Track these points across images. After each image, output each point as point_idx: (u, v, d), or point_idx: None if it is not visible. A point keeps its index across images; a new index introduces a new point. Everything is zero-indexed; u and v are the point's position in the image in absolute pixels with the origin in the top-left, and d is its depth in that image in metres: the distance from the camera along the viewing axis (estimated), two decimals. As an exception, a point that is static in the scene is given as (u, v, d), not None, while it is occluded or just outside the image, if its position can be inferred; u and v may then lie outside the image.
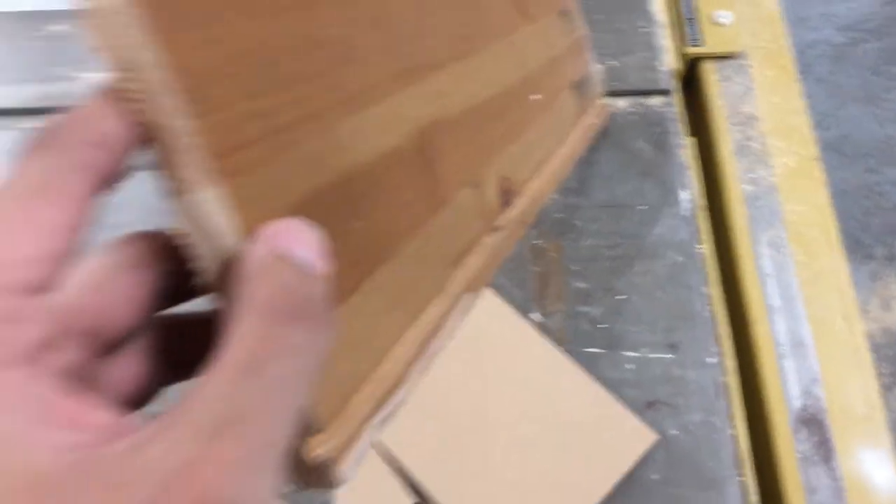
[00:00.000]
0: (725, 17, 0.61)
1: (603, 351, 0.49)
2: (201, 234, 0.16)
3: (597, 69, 0.54)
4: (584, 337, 0.50)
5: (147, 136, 0.16)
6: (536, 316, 0.50)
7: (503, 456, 0.46)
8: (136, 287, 0.18)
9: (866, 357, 0.51)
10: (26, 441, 0.14)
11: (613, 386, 0.48)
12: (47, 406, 0.15)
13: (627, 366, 0.49)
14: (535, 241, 0.53)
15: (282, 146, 0.19)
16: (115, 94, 0.16)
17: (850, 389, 0.49)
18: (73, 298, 0.17)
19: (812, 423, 0.49)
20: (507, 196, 0.35)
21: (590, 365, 0.49)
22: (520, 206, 0.36)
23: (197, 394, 0.15)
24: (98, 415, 0.15)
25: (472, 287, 0.30)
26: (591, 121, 0.51)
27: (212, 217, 0.16)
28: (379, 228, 0.23)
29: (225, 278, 0.17)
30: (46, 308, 0.16)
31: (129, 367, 0.19)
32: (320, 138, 0.20)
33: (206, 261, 0.17)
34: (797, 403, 0.49)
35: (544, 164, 0.42)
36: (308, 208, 0.19)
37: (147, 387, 0.19)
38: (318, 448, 0.19)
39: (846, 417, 0.49)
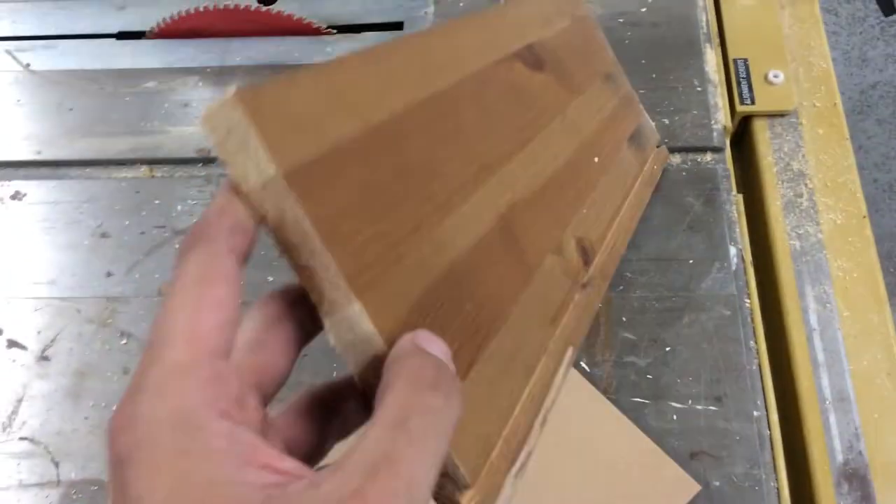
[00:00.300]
0: (777, 75, 0.63)
1: (648, 401, 0.51)
2: (352, 339, 0.21)
3: (647, 120, 0.57)
4: (631, 387, 0.52)
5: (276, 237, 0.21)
6: (584, 366, 0.53)
7: (546, 498, 0.48)
8: (285, 341, 0.23)
9: (911, 414, 0.51)
10: (237, 480, 0.18)
11: (658, 436, 0.50)
12: (250, 452, 0.18)
13: (672, 416, 0.51)
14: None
15: (396, 259, 0.23)
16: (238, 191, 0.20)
17: (893, 444, 0.50)
18: (243, 358, 0.22)
19: (854, 477, 0.50)
20: (585, 255, 0.38)
21: (635, 414, 0.51)
22: (598, 261, 0.40)
23: (358, 444, 0.19)
24: (285, 463, 0.19)
25: (571, 341, 0.34)
26: (651, 168, 0.54)
27: (358, 326, 0.21)
28: (484, 305, 0.27)
29: (373, 366, 0.21)
30: (235, 368, 0.20)
31: (291, 426, 0.23)
32: (424, 245, 0.24)
33: (356, 357, 0.21)
34: (840, 458, 0.50)
35: (615, 219, 0.45)
36: (425, 303, 0.23)
37: (311, 442, 0.24)
38: (469, 501, 0.22)
39: (888, 472, 0.50)
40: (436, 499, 0.23)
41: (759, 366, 0.53)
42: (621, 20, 0.67)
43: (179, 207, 0.60)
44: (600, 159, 0.46)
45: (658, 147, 0.58)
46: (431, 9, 0.70)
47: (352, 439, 0.20)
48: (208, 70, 0.67)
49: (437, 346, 0.22)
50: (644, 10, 0.67)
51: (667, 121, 0.62)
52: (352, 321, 0.21)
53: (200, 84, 0.66)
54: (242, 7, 0.65)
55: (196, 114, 0.65)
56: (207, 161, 0.63)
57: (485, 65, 0.34)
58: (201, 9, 0.64)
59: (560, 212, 0.37)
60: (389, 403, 0.19)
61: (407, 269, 0.23)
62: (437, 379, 0.21)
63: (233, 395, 0.20)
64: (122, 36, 0.71)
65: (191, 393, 0.19)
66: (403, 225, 0.24)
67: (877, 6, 0.79)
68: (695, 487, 0.48)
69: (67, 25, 0.73)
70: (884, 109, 1.67)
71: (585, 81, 0.47)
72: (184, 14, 0.66)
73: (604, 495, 0.48)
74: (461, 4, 0.70)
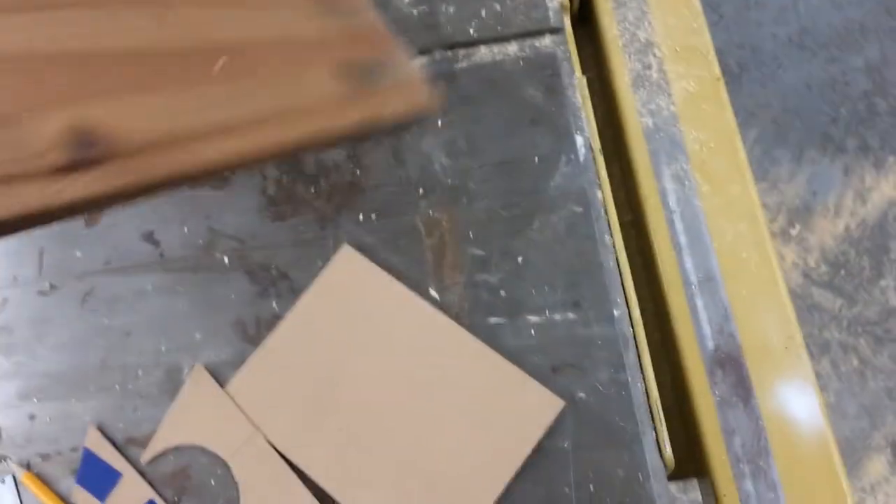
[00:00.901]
0: (613, -62, 0.57)
1: (504, 319, 0.47)
2: None
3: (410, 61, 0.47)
4: (485, 307, 0.48)
5: None
6: (433, 293, 0.48)
7: (405, 440, 0.45)
8: None
9: (781, 285, 0.48)
10: None
11: (517, 354, 0.46)
12: None
13: (531, 331, 0.47)
14: (427, 212, 0.50)
15: None
16: None
17: (766, 322, 0.47)
18: None
19: (727, 362, 0.47)
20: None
21: (492, 335, 0.47)
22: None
23: None
24: None
25: None
26: (371, 110, 0.45)
27: None
28: None
29: None
30: None
31: None
32: None
33: None
34: (710, 344, 0.47)
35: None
36: None
37: None
38: None
39: (763, 353, 0.47)
40: None
41: (617, 261, 0.49)
42: None
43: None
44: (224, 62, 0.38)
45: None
46: None
47: None
48: None
49: None
50: None
51: (497, 6, 0.55)
52: None
53: None
54: None
55: None
56: None
57: None
58: None
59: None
60: None
61: None
62: None
63: None
64: None
65: None
66: None
67: None
68: (559, 404, 0.45)
69: None
70: (776, -40, 1.62)
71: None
72: None
73: (467, 426, 0.45)
74: None
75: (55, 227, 0.51)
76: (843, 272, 1.34)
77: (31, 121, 0.25)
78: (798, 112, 1.47)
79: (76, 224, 0.53)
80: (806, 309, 1.33)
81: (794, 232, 1.38)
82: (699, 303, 0.48)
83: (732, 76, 1.48)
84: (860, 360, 1.29)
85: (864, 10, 1.54)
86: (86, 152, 0.26)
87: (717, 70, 0.54)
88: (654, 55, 0.55)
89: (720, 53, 1.56)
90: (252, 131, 0.34)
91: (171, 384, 0.49)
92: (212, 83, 0.32)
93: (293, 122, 0.39)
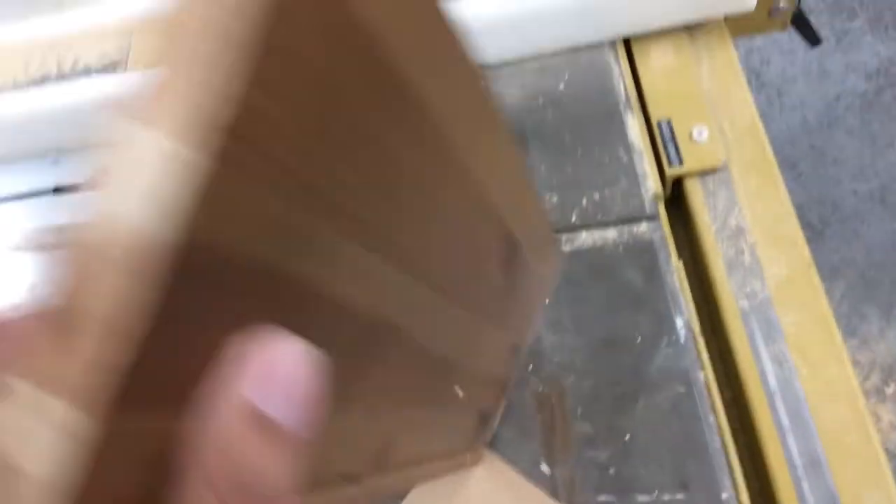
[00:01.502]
0: (702, 132, 0.62)
1: (614, 498, 0.49)
2: None
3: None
4: (595, 484, 0.50)
5: None
6: (545, 468, 0.51)
7: None
8: None
9: (885, 467, 0.49)
10: None
11: (627, 532, 0.48)
12: None
13: (639, 509, 0.49)
14: (537, 388, 0.54)
15: None
16: None
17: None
18: None
19: (839, 549, 0.47)
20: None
21: (601, 512, 0.49)
22: None
23: None
24: None
25: None
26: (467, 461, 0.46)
27: None
28: None
29: None
30: None
31: None
32: None
33: None
34: (820, 529, 0.48)
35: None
36: None
37: None
38: None
39: (874, 540, 0.47)
40: None
41: (723, 441, 0.51)
42: (540, 100, 0.67)
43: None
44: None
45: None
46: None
47: None
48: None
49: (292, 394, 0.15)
50: (562, 86, 0.67)
51: (597, 196, 0.61)
52: None
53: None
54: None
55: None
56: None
57: None
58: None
59: None
60: None
61: None
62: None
63: None
64: (59, 191, 0.72)
65: None
66: None
67: (803, 37, 0.79)
68: (670, 586, 0.46)
69: (4, 188, 0.73)
70: (851, 120, 1.67)
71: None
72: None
73: None
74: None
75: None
76: (945, 434, 1.29)
77: None
78: (884, 268, 1.47)
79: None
80: (908, 472, 1.27)
81: (889, 390, 1.34)
82: (805, 486, 0.49)
83: (815, 231, 1.50)
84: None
85: (946, 168, 1.56)
86: None
87: (807, 255, 0.57)
88: (746, 241, 0.59)
89: (801, 209, 1.59)
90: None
91: None
92: None
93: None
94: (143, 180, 0.13)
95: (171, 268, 0.13)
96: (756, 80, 1.77)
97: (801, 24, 0.76)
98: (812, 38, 0.79)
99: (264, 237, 0.16)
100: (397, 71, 0.19)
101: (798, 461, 0.50)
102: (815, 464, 0.50)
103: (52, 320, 0.13)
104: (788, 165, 1.58)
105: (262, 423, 0.13)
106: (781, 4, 0.72)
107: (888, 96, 1.69)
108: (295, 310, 0.18)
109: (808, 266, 0.57)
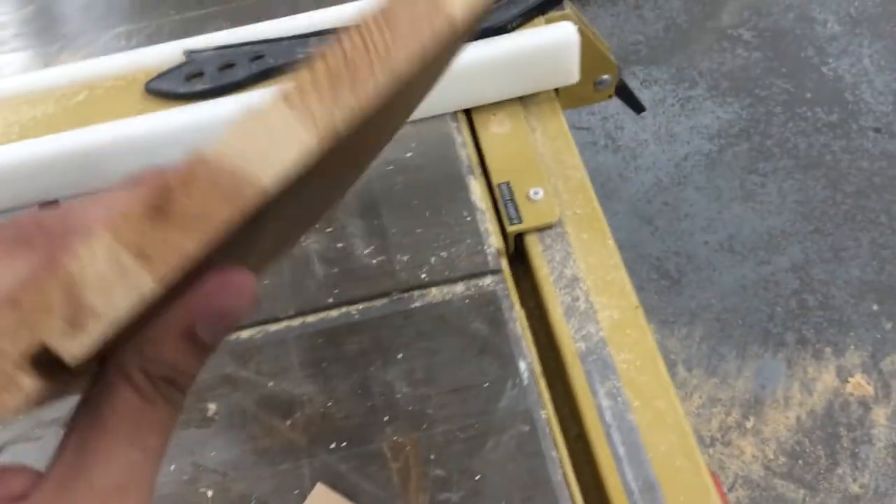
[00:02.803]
0: (538, 192, 0.68)
1: (466, 535, 0.52)
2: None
3: None
4: (447, 524, 0.53)
5: None
6: (399, 513, 0.53)
7: None
8: None
9: (710, 487, 0.54)
10: None
11: (479, 569, 0.50)
12: None
13: (490, 545, 0.52)
14: (392, 438, 0.56)
15: None
16: None
17: (701, 524, 0.53)
18: None
19: (672, 564, 0.52)
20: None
21: (455, 552, 0.51)
22: None
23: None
24: None
25: None
26: None
27: None
28: None
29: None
30: None
31: None
32: None
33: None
34: (655, 548, 0.52)
35: None
36: None
37: None
38: None
39: (701, 552, 0.52)
40: None
41: (564, 475, 0.54)
42: (390, 167, 0.71)
43: None
44: None
45: None
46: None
47: None
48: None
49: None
50: (409, 154, 0.72)
51: (444, 254, 0.65)
52: None
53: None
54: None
55: None
56: None
57: None
58: None
59: None
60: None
61: None
62: None
63: None
64: None
65: None
66: None
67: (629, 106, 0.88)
68: None
69: None
70: (698, 177, 1.82)
71: None
72: None
73: None
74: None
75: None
76: (801, 462, 1.39)
77: None
78: (737, 311, 1.59)
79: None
80: (771, 501, 1.36)
81: (748, 425, 1.44)
82: (640, 509, 0.53)
83: (672, 281, 1.61)
84: (828, 551, 1.31)
85: (783, 218, 1.72)
86: None
87: (634, 300, 0.63)
88: (581, 288, 0.64)
89: (659, 261, 1.70)
90: None
91: None
92: None
93: None
94: (272, 144, 0.18)
95: (249, 211, 0.18)
96: (612, 143, 1.91)
97: (624, 94, 0.84)
98: (636, 106, 0.88)
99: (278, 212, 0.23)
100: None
101: (634, 486, 0.54)
102: (649, 488, 0.54)
103: (151, 199, 0.18)
104: (646, 221, 1.70)
105: (193, 339, 0.21)
106: (605, 77, 0.80)
107: (729, 155, 1.86)
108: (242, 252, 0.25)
109: (636, 308, 0.63)
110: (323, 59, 0.19)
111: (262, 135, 0.18)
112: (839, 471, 1.38)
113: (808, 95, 1.97)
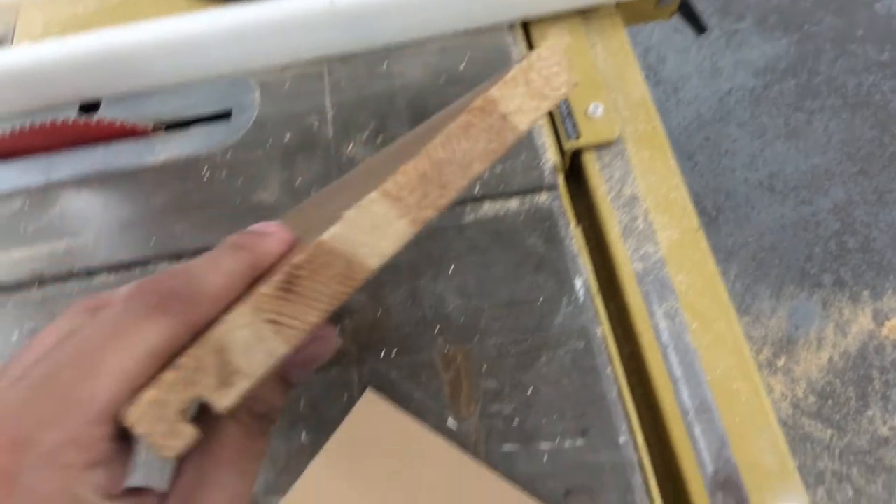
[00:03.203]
0: (597, 108, 0.66)
1: (518, 446, 0.51)
2: None
3: None
4: (500, 435, 0.52)
5: None
6: (452, 423, 0.53)
7: (432, 568, 0.47)
8: None
9: (769, 413, 0.53)
10: None
11: (532, 480, 0.50)
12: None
13: (543, 458, 0.51)
14: (444, 349, 0.56)
15: None
16: None
17: (759, 449, 0.52)
18: None
19: (727, 484, 0.51)
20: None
21: (508, 463, 0.51)
22: None
23: None
24: None
25: None
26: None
27: None
28: None
29: None
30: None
31: None
32: None
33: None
34: (710, 468, 0.51)
35: None
36: None
37: None
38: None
39: (757, 473, 0.51)
40: None
41: (619, 391, 0.53)
42: (442, 79, 0.69)
43: (16, 335, 0.58)
44: None
45: None
46: (257, 94, 0.70)
47: None
48: (33, 190, 0.65)
49: None
50: (462, 65, 0.69)
51: (498, 168, 0.63)
52: None
53: (27, 206, 0.64)
54: (60, 122, 0.63)
55: (26, 235, 0.63)
56: (42, 283, 0.61)
57: None
58: (16, 130, 0.63)
59: None
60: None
61: None
62: None
63: (119, 474, 0.23)
64: None
65: (82, 475, 0.21)
66: None
67: (690, 25, 0.84)
68: (573, 528, 0.48)
69: None
70: (741, 113, 1.77)
71: None
72: None
73: (487, 553, 0.48)
74: (286, 87, 0.71)
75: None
76: (830, 402, 1.38)
77: None
78: (775, 250, 1.56)
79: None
80: (798, 439, 1.35)
81: (780, 363, 1.43)
82: (697, 430, 0.52)
83: (710, 218, 1.58)
84: (854, 489, 1.31)
85: (828, 157, 1.67)
86: None
87: (696, 221, 0.61)
88: (640, 208, 0.62)
89: (697, 197, 1.67)
90: None
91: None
92: None
93: None
94: (376, 235, 0.23)
95: (358, 288, 0.24)
96: (654, 76, 1.85)
97: (687, 13, 0.80)
98: (698, 26, 0.84)
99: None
100: None
101: (689, 407, 0.53)
102: (705, 409, 0.53)
103: (282, 281, 0.23)
104: (685, 157, 1.66)
105: (286, 380, 0.28)
106: (669, -9, 0.77)
107: (775, 91, 1.80)
108: None
109: (696, 230, 0.61)
110: (415, 162, 0.23)
111: (368, 226, 0.22)
112: (869, 413, 1.37)
113: (860, 33, 1.89)
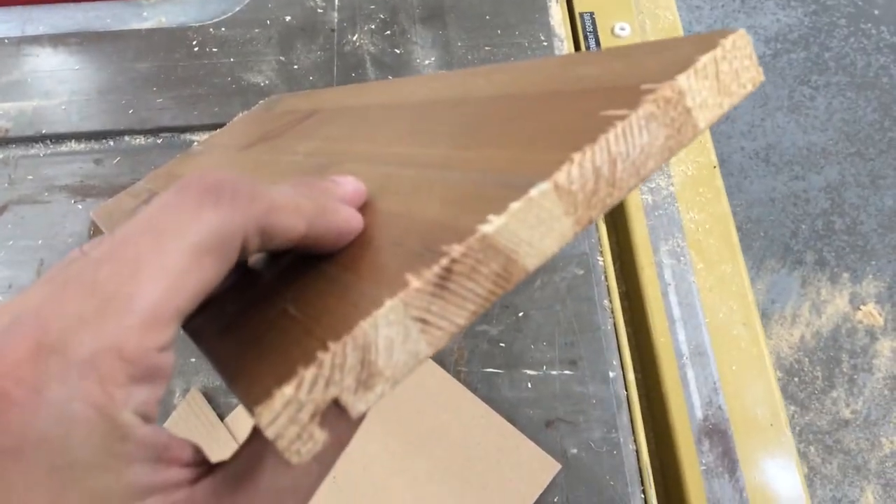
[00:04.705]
0: (624, 28, 0.61)
1: (502, 370, 0.48)
2: None
3: None
4: (483, 357, 0.49)
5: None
6: (434, 336, 0.49)
7: (400, 496, 0.44)
8: None
9: (767, 363, 0.50)
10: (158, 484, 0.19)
11: (513, 406, 0.47)
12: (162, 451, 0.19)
13: (527, 384, 0.48)
14: (433, 260, 0.52)
15: None
16: None
17: (753, 399, 0.49)
18: None
19: (715, 433, 0.48)
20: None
21: (489, 385, 0.47)
22: None
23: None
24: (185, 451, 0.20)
25: None
26: None
27: None
28: None
29: None
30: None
31: None
32: None
33: None
34: (699, 414, 0.48)
35: None
36: None
37: None
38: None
39: (750, 427, 0.48)
40: None
41: (614, 325, 0.50)
42: (463, -25, 0.64)
43: (-31, 194, 0.53)
44: None
45: None
46: (259, -33, 0.64)
47: None
48: (6, 41, 0.59)
49: None
50: (485, -36, 0.64)
51: (513, 77, 0.58)
52: None
53: (-7, 55, 0.59)
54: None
55: (-11, 89, 0.57)
56: (6, 142, 0.56)
57: None
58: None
59: None
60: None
61: None
62: None
63: (159, 395, 0.18)
64: None
65: (123, 393, 0.17)
66: None
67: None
68: (555, 467, 0.45)
69: None
70: (747, 80, 1.72)
71: None
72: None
73: (461, 484, 0.45)
74: (291, -38, 0.65)
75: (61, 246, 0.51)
76: (797, 380, 1.38)
77: None
78: (761, 222, 1.54)
79: (80, 240, 0.53)
80: (760, 412, 1.35)
81: (752, 336, 1.42)
82: (690, 374, 0.50)
83: (702, 182, 1.55)
84: (810, 468, 1.32)
85: (827, 136, 1.64)
86: None
87: (713, 158, 0.57)
88: (657, 138, 0.58)
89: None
90: None
91: (162, 407, 0.48)
92: None
93: None
94: (540, 233, 0.19)
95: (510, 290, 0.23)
96: (663, 30, 1.80)
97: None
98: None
99: None
100: None
101: (685, 349, 0.50)
102: (701, 353, 0.50)
103: (435, 276, 0.18)
104: (685, 117, 1.62)
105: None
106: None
107: (783, 61, 1.76)
108: None
109: (714, 168, 0.57)
110: (591, 154, 0.20)
111: (534, 222, 0.19)
112: (833, 394, 1.37)
113: (876, 12, 1.85)
